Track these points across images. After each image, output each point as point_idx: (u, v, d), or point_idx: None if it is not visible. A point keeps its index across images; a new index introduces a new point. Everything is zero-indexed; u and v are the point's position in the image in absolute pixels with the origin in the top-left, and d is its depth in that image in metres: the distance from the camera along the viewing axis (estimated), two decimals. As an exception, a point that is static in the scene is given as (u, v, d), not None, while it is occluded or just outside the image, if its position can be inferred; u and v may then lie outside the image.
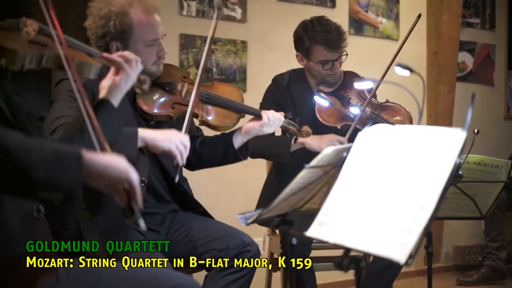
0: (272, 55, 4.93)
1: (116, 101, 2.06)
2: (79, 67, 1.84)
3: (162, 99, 2.72)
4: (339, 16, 5.23)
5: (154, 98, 2.71)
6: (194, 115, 2.76)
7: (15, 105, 1.68)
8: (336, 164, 1.98)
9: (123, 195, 1.57)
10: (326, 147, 3.23)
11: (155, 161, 2.71)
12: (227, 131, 2.95)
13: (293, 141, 3.25)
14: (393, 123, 3.34)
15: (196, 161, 2.93)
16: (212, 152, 2.92)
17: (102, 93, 2.06)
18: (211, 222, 2.79)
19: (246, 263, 2.59)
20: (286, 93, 3.65)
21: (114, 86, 2.07)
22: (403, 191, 1.61)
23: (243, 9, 4.86)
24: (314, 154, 1.98)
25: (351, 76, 3.66)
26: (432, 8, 5.73)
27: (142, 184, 2.52)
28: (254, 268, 2.64)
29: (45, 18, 1.83)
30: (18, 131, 1.52)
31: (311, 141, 3.43)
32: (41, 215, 1.64)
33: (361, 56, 5.01)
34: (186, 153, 2.55)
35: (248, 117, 2.98)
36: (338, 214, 1.73)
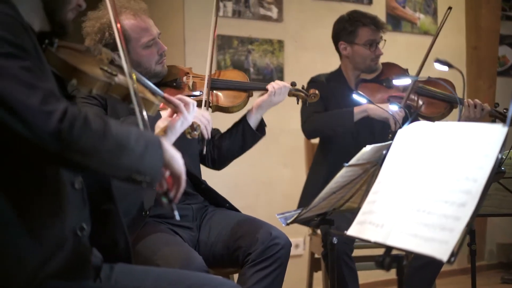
0: (308, 54, 4.92)
1: (169, 142, 2.03)
2: (142, 102, 1.90)
3: (172, 95, 2.78)
4: (376, 12, 5.14)
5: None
6: (206, 103, 2.86)
7: None
8: (375, 162, 1.97)
9: (164, 183, 1.66)
10: (390, 115, 3.30)
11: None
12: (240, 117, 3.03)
13: (301, 104, 3.26)
14: (441, 92, 3.37)
15: (219, 156, 2.99)
16: (231, 141, 2.99)
17: (156, 132, 2.12)
18: (238, 217, 2.78)
19: (275, 256, 2.59)
20: (326, 88, 3.66)
21: (171, 128, 2.12)
22: (444, 188, 1.59)
23: (279, 8, 4.85)
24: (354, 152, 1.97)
25: (390, 65, 3.72)
26: (471, 1, 5.65)
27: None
28: (285, 260, 2.62)
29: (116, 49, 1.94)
30: None
31: (375, 108, 3.45)
32: (85, 233, 1.68)
33: (399, 52, 4.96)
34: (210, 126, 2.68)
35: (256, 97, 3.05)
36: (378, 212, 1.72)
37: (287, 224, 2.15)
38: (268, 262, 2.57)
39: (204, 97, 2.83)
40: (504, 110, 3.41)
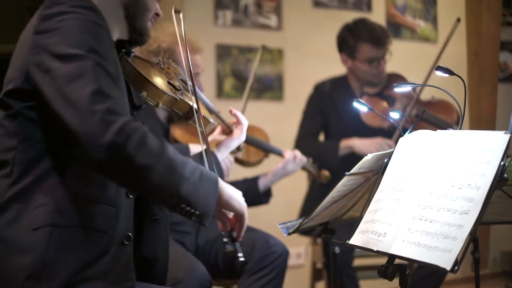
0: (308, 62, 4.91)
1: (221, 156, 2.06)
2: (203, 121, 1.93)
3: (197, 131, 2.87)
4: (376, 19, 5.12)
5: (189, 129, 2.87)
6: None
7: None
8: (377, 171, 1.95)
9: (228, 223, 1.72)
10: (376, 151, 3.28)
11: None
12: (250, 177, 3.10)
13: (310, 182, 3.41)
14: (441, 119, 3.33)
15: None
16: None
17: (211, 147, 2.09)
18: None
19: (273, 264, 2.59)
20: (328, 99, 3.65)
21: (227, 145, 2.07)
22: (447, 196, 1.57)
23: (278, 17, 4.84)
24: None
25: (396, 78, 3.65)
26: (471, 7, 5.64)
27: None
28: (283, 268, 2.63)
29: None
30: None
31: (360, 145, 3.46)
32: (130, 243, 1.68)
33: (399, 59, 4.94)
34: (231, 167, 2.78)
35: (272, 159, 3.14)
36: (380, 221, 1.70)
37: (289, 234, 2.13)
38: (266, 270, 2.57)
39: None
40: None
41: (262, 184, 3.05)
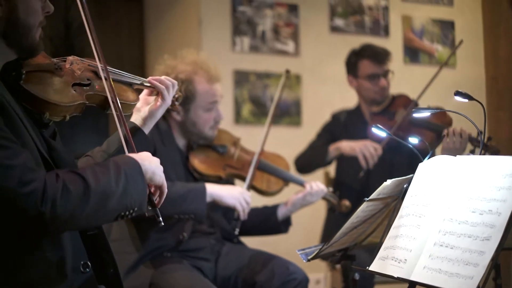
0: (326, 87, 4.91)
1: (148, 129, 2.04)
2: (122, 107, 1.85)
3: (215, 160, 2.89)
4: (393, 44, 5.18)
5: (208, 158, 2.88)
6: (248, 185, 2.92)
7: (54, 149, 1.70)
8: (396, 196, 1.94)
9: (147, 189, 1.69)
10: (359, 150, 3.32)
11: None
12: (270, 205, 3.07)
13: (330, 211, 3.36)
14: (431, 122, 3.33)
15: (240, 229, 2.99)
16: (255, 222, 3.01)
17: (135, 118, 2.02)
18: (254, 252, 2.79)
19: None
20: (342, 129, 3.70)
21: (152, 115, 2.03)
22: (467, 222, 1.56)
23: (295, 42, 4.86)
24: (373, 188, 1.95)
25: (400, 98, 3.70)
26: (489, 31, 5.63)
27: (181, 237, 2.65)
28: None
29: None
30: None
31: (346, 146, 3.53)
32: (89, 269, 1.67)
33: (417, 84, 4.92)
34: (248, 209, 2.75)
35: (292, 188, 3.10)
36: (401, 247, 1.69)
37: (308, 260, 2.12)
38: None
39: (248, 178, 2.90)
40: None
41: (281, 213, 3.02)
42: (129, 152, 1.77)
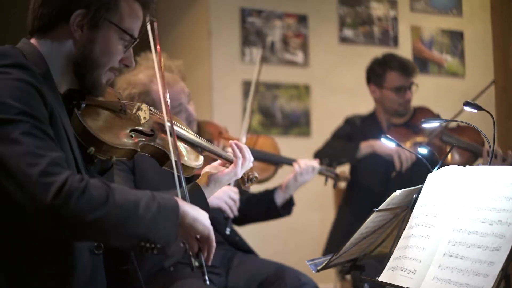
0: (335, 98, 4.92)
1: (210, 194, 1.94)
2: (182, 167, 1.79)
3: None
4: (403, 55, 5.17)
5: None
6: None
7: None
8: (406, 207, 1.93)
9: (195, 245, 1.60)
10: (396, 151, 3.27)
11: None
12: (270, 188, 3.02)
13: (332, 186, 3.30)
14: (467, 142, 3.31)
15: (241, 219, 2.96)
16: (255, 210, 3.00)
17: (201, 180, 1.93)
18: (266, 264, 2.76)
19: None
20: (358, 133, 3.68)
21: (218, 180, 1.93)
22: (477, 233, 1.56)
23: (305, 53, 4.87)
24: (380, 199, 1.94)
25: (422, 110, 3.69)
26: (498, 41, 5.62)
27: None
28: None
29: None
30: None
31: (381, 145, 3.46)
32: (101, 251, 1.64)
33: (426, 94, 4.94)
34: (236, 205, 2.69)
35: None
36: (410, 258, 1.68)
37: (318, 271, 2.12)
38: None
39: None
40: None
41: (278, 198, 2.97)
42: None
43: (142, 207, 1.47)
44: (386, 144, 3.39)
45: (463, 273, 1.52)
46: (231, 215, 2.69)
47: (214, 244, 1.61)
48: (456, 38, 5.53)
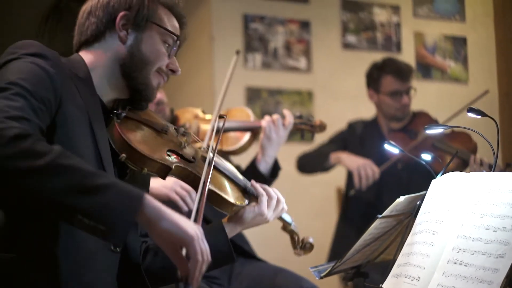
0: (338, 104, 4.92)
1: (232, 233, 1.87)
2: (217, 200, 1.78)
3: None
4: (406, 61, 5.15)
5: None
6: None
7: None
8: (409, 213, 1.93)
9: (185, 266, 1.37)
10: (356, 168, 3.26)
11: None
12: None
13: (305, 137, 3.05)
14: (456, 148, 3.26)
15: None
16: None
17: (225, 218, 1.90)
18: (269, 269, 2.74)
19: None
20: (357, 140, 3.68)
21: (239, 218, 1.89)
22: (481, 239, 1.55)
23: (307, 59, 4.87)
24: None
25: (421, 115, 3.68)
26: (501, 47, 5.61)
27: None
28: None
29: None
30: None
31: (346, 158, 3.50)
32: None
33: (429, 100, 4.94)
34: (189, 198, 2.41)
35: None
36: (414, 265, 1.68)
37: (321, 278, 2.11)
38: None
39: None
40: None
41: (261, 166, 2.77)
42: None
43: (91, 176, 1.33)
44: (351, 158, 3.42)
45: (467, 280, 1.51)
46: (184, 208, 2.39)
47: (198, 258, 1.36)
48: (459, 43, 5.53)
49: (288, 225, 2.14)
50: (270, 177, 2.83)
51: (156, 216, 1.35)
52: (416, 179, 3.42)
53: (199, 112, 2.96)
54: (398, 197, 1.91)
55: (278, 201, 1.96)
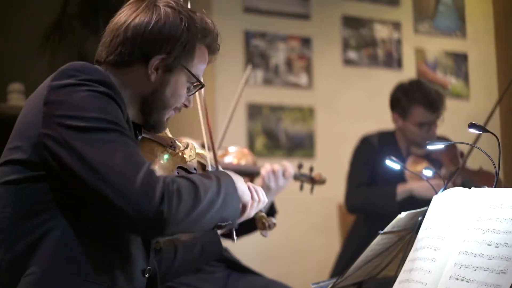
0: (339, 120, 4.92)
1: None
2: None
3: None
4: (407, 77, 5.13)
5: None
6: None
7: None
8: (411, 229, 1.92)
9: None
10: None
11: None
12: None
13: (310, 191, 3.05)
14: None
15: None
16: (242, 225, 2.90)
17: None
18: (264, 283, 2.73)
19: None
20: (376, 153, 3.52)
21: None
22: (483, 255, 1.54)
23: (309, 75, 4.88)
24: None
25: (442, 141, 3.57)
26: (502, 63, 5.62)
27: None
28: None
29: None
30: None
31: (420, 188, 3.31)
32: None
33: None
34: None
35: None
36: (416, 281, 1.67)
37: (322, 294, 2.10)
38: None
39: None
40: None
41: None
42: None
43: (216, 193, 1.59)
44: (422, 184, 3.19)
45: (470, 296, 1.50)
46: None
47: (262, 197, 1.77)
48: (460, 60, 5.54)
49: (260, 212, 2.16)
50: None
51: (241, 193, 1.71)
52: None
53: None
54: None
55: (263, 202, 1.96)
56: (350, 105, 4.87)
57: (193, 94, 1.81)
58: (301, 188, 3.01)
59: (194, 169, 1.84)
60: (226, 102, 4.50)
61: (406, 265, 1.75)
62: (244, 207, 1.73)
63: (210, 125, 1.94)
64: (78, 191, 1.49)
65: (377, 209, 3.38)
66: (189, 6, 1.81)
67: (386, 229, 1.92)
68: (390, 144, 3.61)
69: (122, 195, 1.43)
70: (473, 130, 1.83)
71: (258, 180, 2.83)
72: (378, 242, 1.95)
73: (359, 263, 2.01)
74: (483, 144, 1.85)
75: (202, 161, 1.92)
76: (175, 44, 1.68)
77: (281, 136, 4.73)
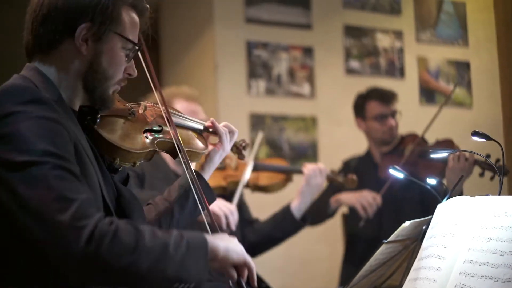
0: (342, 129, 4.91)
1: (207, 175, 2.00)
2: (189, 155, 1.87)
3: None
4: (409, 86, 5.19)
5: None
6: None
7: (122, 196, 1.70)
8: (415, 238, 1.91)
9: (234, 273, 1.60)
10: (357, 201, 3.30)
11: None
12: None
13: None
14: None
15: (259, 241, 3.01)
16: (273, 227, 3.02)
17: (194, 164, 2.01)
18: None
19: None
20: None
21: (210, 161, 2.01)
22: (488, 264, 1.54)
23: (311, 85, 4.88)
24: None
25: (410, 137, 3.70)
26: (505, 71, 5.62)
27: None
28: None
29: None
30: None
31: (345, 198, 3.51)
32: None
33: (433, 125, 4.92)
34: (232, 217, 2.69)
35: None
36: (421, 290, 1.66)
37: (327, 304, 2.09)
38: None
39: (241, 183, 2.91)
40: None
41: (295, 210, 2.97)
42: (198, 195, 1.80)
43: (172, 248, 1.44)
44: (349, 195, 3.41)
45: (475, 305, 1.50)
46: (223, 226, 2.64)
47: (253, 266, 1.62)
48: (462, 68, 5.53)
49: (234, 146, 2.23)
50: (302, 221, 3.03)
51: (223, 252, 1.56)
52: (409, 195, 3.43)
53: None
54: (396, 214, 1.90)
55: (232, 132, 2.06)
56: (352, 114, 4.86)
57: (131, 59, 1.71)
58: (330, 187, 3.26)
59: (159, 126, 1.83)
60: (228, 112, 4.51)
61: (411, 274, 1.74)
62: (245, 265, 1.61)
63: (154, 74, 1.84)
64: (11, 226, 1.42)
65: (317, 219, 3.64)
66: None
67: (390, 238, 1.91)
68: (366, 161, 3.80)
69: (49, 233, 1.35)
70: (476, 138, 1.82)
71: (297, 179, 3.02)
72: (382, 251, 1.94)
73: (364, 273, 2.00)
74: (485, 152, 1.85)
75: (162, 114, 1.86)
76: (95, 8, 1.60)
77: (284, 145, 4.73)
